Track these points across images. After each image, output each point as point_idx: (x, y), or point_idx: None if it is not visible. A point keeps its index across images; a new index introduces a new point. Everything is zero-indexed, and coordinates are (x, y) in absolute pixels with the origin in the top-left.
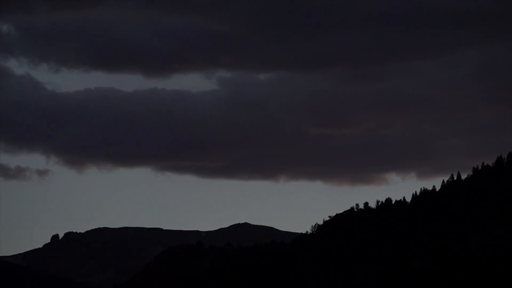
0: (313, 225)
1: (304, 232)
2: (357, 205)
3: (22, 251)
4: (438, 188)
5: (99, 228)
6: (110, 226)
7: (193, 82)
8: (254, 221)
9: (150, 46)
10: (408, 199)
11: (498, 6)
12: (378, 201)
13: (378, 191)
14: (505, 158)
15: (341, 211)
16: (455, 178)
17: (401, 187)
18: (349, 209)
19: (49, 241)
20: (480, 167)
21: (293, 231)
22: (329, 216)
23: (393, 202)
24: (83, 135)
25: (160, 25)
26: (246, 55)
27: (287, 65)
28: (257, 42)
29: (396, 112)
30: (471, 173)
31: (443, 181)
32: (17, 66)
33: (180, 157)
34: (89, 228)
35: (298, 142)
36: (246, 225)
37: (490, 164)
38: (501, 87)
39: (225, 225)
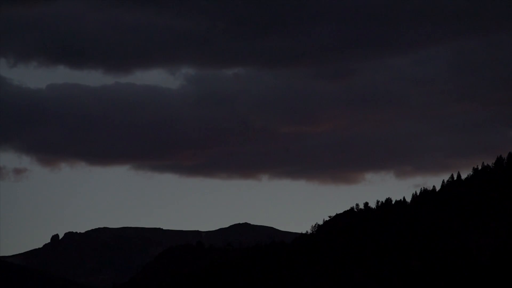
0: (313, 225)
1: (304, 232)
2: (357, 205)
3: (22, 251)
4: (438, 188)
5: (99, 228)
6: (110, 226)
7: (157, 79)
8: (254, 221)
9: (113, 42)
10: (408, 199)
11: (471, 1)
12: (378, 201)
13: (369, 190)
14: (505, 158)
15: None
16: (455, 178)
17: (381, 186)
18: (349, 209)
19: (49, 241)
20: (480, 167)
21: (293, 231)
22: (329, 216)
23: (393, 202)
24: (55, 132)
25: (123, 21)
26: (212, 52)
27: (255, 62)
28: (223, 38)
29: (368, 110)
30: (471, 173)
31: (443, 181)
32: None
33: (154, 155)
34: (89, 228)
35: (270, 140)
36: (246, 225)
37: (490, 164)
38: (475, 84)
39: (225, 225)
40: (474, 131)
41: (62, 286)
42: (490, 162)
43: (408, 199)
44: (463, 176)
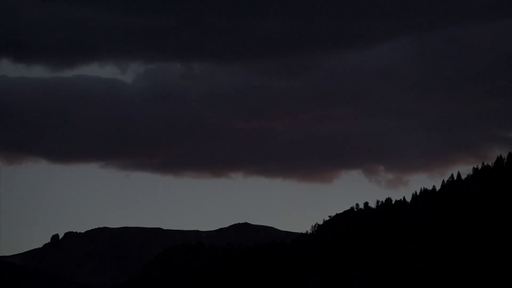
0: (313, 225)
1: (304, 232)
2: (357, 205)
3: (22, 251)
4: (438, 188)
5: (99, 228)
6: (110, 226)
7: (108, 74)
8: (254, 221)
9: (62, 38)
10: (408, 198)
11: None
12: (378, 201)
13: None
14: (505, 158)
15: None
16: (455, 178)
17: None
18: (349, 209)
19: (49, 241)
20: (480, 167)
21: (293, 231)
22: (329, 216)
23: (393, 202)
24: (17, 128)
25: (73, 16)
26: (167, 47)
27: (212, 57)
28: (179, 33)
29: (329, 106)
30: (471, 173)
31: (443, 181)
32: None
33: (120, 153)
34: (89, 228)
35: (230, 137)
36: (246, 225)
37: (490, 164)
38: (440, 78)
39: (225, 225)
40: (446, 127)
41: (62, 286)
42: (477, 162)
43: (408, 199)
44: (463, 176)
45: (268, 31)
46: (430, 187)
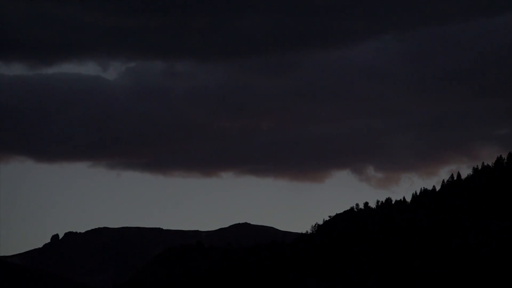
0: (313, 225)
1: (304, 232)
2: (357, 205)
3: (22, 251)
4: (438, 188)
5: (99, 228)
6: (110, 226)
7: (90, 72)
8: (254, 221)
9: (42, 35)
10: (408, 198)
11: None
12: (378, 201)
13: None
14: (505, 158)
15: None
16: (455, 178)
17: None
18: (349, 209)
19: (49, 241)
20: (480, 167)
21: (294, 231)
22: (329, 216)
23: (393, 202)
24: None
25: (53, 13)
26: (149, 45)
27: (193, 55)
28: (161, 31)
29: (315, 105)
30: (471, 173)
31: (443, 181)
32: None
33: (109, 153)
34: (89, 228)
35: (216, 136)
36: (246, 225)
37: (490, 164)
38: (426, 75)
39: (225, 225)
40: (434, 126)
41: (62, 286)
42: (470, 162)
43: (408, 199)
44: (463, 176)
45: (252, 29)
46: (421, 187)
